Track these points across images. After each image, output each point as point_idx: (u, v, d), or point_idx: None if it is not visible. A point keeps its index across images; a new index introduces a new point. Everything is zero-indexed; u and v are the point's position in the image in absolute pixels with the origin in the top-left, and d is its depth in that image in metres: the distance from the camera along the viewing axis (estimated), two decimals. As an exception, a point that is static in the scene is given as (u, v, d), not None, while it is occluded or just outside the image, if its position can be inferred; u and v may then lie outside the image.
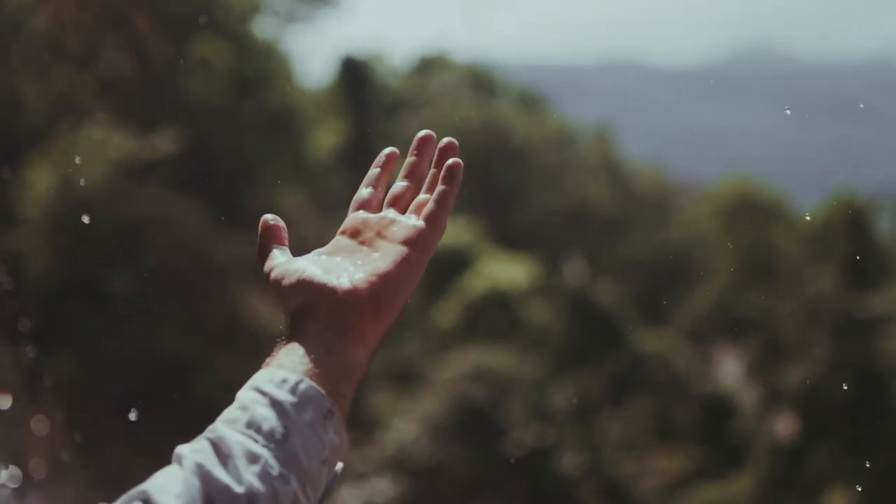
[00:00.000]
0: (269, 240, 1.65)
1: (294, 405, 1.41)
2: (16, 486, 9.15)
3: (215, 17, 18.38)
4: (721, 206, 25.68)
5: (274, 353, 1.50)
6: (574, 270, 22.80)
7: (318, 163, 20.64)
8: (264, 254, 1.64)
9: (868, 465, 17.92)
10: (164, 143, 15.45)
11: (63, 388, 13.28)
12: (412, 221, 1.60)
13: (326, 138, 22.46)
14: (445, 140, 1.70)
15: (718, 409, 20.05)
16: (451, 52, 33.72)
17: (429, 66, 31.13)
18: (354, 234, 1.63)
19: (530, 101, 31.87)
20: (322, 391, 1.43)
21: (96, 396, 13.97)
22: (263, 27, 20.82)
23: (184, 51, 17.53)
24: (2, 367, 11.37)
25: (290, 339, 1.50)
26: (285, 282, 1.56)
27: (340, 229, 1.66)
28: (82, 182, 14.68)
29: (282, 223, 1.67)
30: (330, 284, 1.51)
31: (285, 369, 1.45)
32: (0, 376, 11.26)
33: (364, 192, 1.70)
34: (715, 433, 19.54)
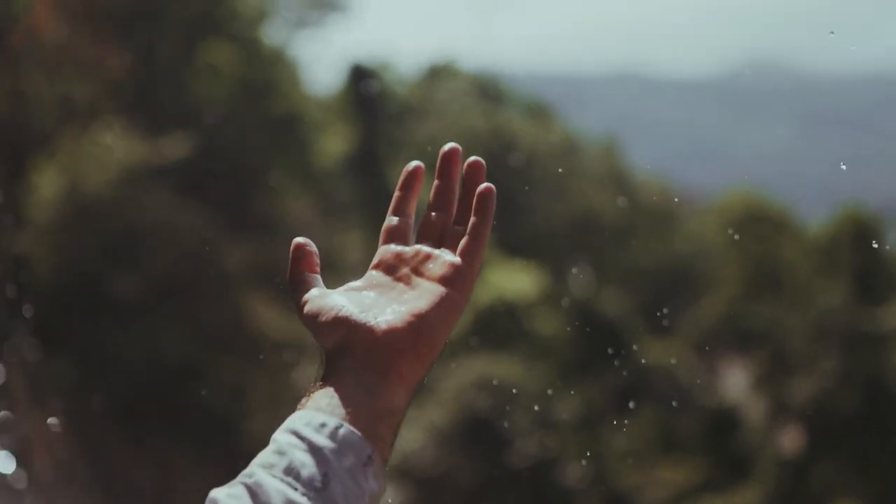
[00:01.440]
0: (300, 266, 1.60)
1: (333, 451, 1.37)
2: (21, 487, 9.14)
3: (224, 23, 18.38)
4: (727, 217, 25.65)
5: (309, 393, 1.46)
6: (579, 280, 22.76)
7: (325, 169, 20.62)
8: (295, 280, 1.59)
9: (874, 480, 17.88)
10: (171, 147, 15.44)
11: (66, 391, 13.26)
12: (448, 258, 1.54)
13: (333, 145, 22.43)
14: (472, 160, 1.63)
15: (724, 421, 20.01)
16: (458, 60, 33.69)
17: (436, 74, 31.12)
18: (389, 269, 1.57)
19: (537, 111, 31.85)
20: (362, 436, 1.39)
21: (99, 400, 13.95)
22: (272, 33, 20.81)
23: (192, 55, 17.52)
24: (5, 369, 11.34)
25: (326, 379, 1.47)
26: (321, 318, 1.51)
27: (373, 263, 1.60)
28: (88, 186, 14.66)
29: (314, 248, 1.61)
30: (368, 323, 1.46)
31: (323, 412, 1.41)
32: (3, 378, 11.24)
33: (393, 220, 1.63)
34: (720, 445, 19.50)
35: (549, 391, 18.14)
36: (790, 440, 19.18)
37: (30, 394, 11.81)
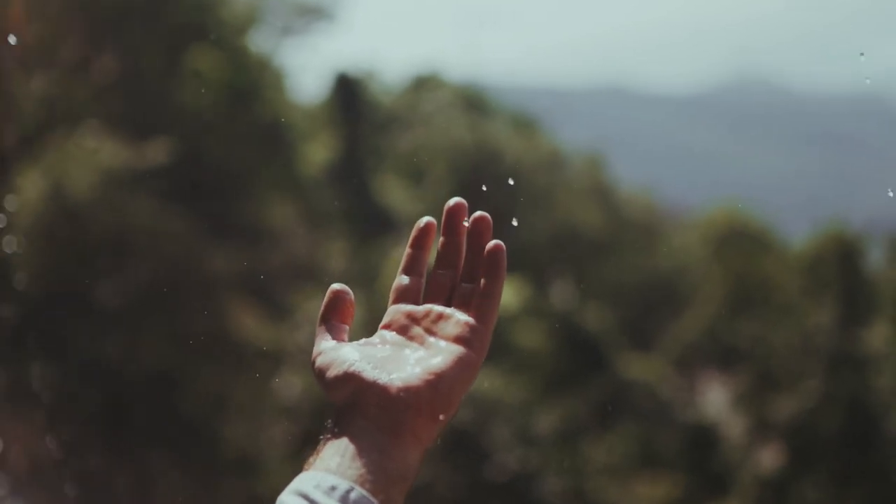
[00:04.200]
0: (330, 314, 1.54)
1: None
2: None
3: (210, 29, 18.35)
4: (710, 233, 25.71)
5: (318, 451, 1.38)
6: (561, 294, 22.74)
7: (309, 178, 20.58)
8: (322, 327, 1.53)
9: (852, 499, 17.90)
10: (155, 152, 15.39)
11: (45, 396, 13.21)
12: (462, 317, 1.49)
13: (318, 153, 22.41)
14: (477, 215, 1.58)
15: (704, 438, 20.02)
16: (444, 71, 33.73)
17: (422, 84, 31.10)
18: (401, 329, 1.52)
19: (523, 123, 31.86)
20: (374, 500, 1.32)
21: (78, 405, 13.89)
22: (258, 40, 20.78)
23: (178, 61, 17.49)
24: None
25: (335, 436, 1.39)
26: (330, 373, 1.45)
27: (384, 323, 1.54)
28: (72, 189, 14.61)
29: (351, 297, 1.55)
30: (381, 382, 1.40)
31: (333, 474, 1.33)
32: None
33: (404, 279, 1.57)
34: (700, 461, 19.51)
35: (530, 405, 18.13)
36: (770, 458, 19.19)
37: (9, 397, 11.77)
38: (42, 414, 12.89)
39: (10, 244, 13.92)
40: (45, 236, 14.40)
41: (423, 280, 1.58)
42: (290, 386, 15.33)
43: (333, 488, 1.31)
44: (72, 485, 12.60)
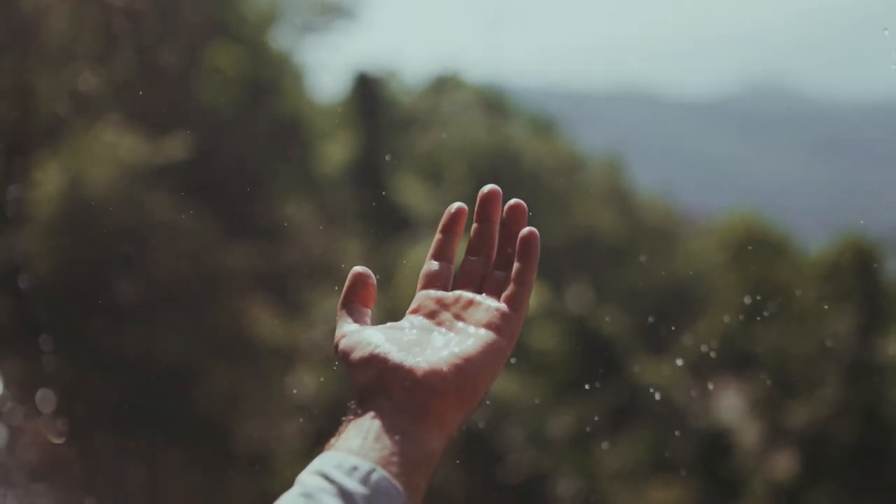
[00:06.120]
0: (352, 296, 1.52)
1: (365, 498, 1.28)
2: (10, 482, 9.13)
3: (231, 25, 18.35)
4: (728, 239, 25.62)
5: (339, 432, 1.37)
6: (577, 297, 22.70)
7: (327, 176, 20.57)
8: (344, 309, 1.51)
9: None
10: (173, 148, 15.39)
11: (60, 391, 13.21)
12: (493, 304, 1.48)
13: (336, 152, 22.40)
14: (513, 202, 1.56)
15: (717, 444, 19.97)
16: (464, 72, 33.72)
17: (442, 85, 31.10)
18: (429, 315, 1.50)
19: (541, 126, 31.84)
20: (396, 484, 1.30)
21: (93, 401, 13.90)
22: (279, 37, 20.78)
23: (198, 57, 17.49)
24: (1, 366, 11.32)
25: (359, 418, 1.37)
26: (355, 355, 1.43)
27: (412, 308, 1.52)
28: (90, 184, 14.61)
29: (373, 280, 1.53)
30: (407, 364, 1.38)
31: (355, 455, 1.31)
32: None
33: (433, 265, 1.55)
34: (712, 467, 19.46)
35: (544, 407, 18.10)
36: (784, 465, 19.14)
37: (23, 390, 11.77)
38: (55, 408, 12.90)
39: (27, 237, 13.93)
40: (62, 230, 14.41)
41: (453, 266, 1.57)
42: (304, 384, 15.33)
43: (355, 469, 1.30)
44: (84, 480, 12.61)
